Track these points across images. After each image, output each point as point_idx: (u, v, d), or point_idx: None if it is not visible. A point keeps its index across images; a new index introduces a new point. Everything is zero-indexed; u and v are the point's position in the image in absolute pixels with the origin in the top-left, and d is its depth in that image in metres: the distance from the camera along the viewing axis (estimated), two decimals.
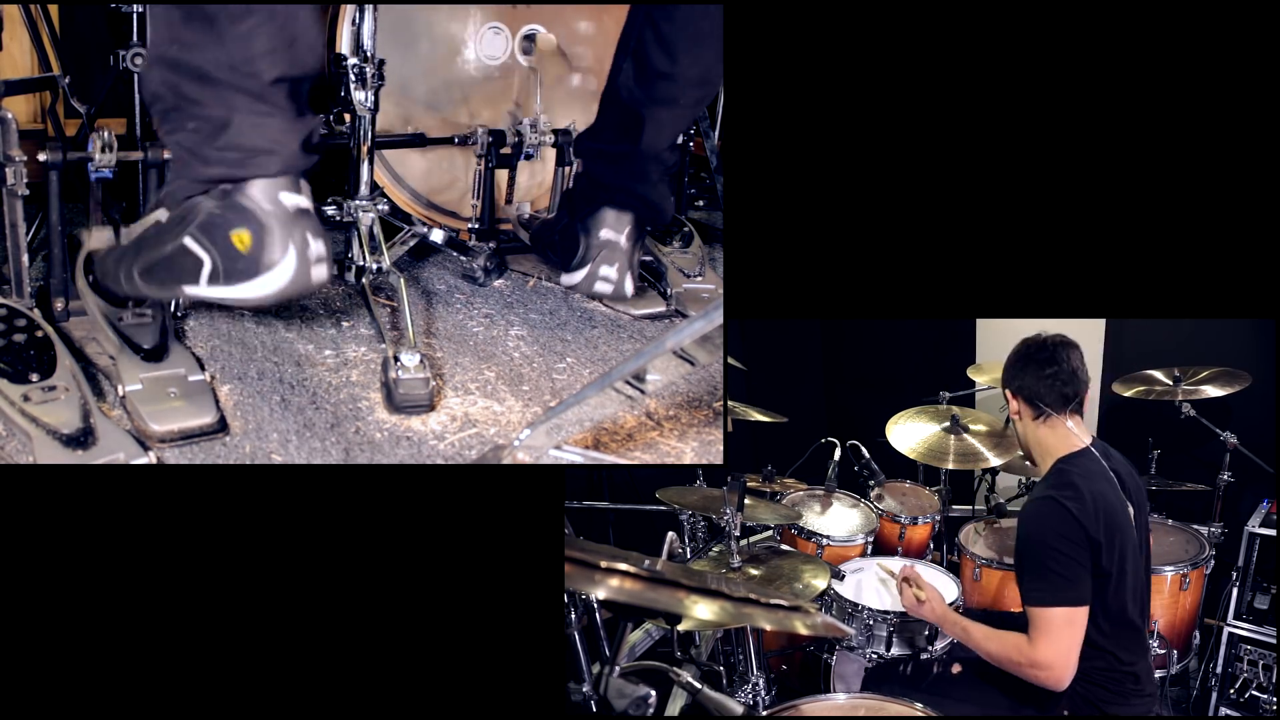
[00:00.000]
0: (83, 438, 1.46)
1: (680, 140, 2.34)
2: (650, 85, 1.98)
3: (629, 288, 2.09)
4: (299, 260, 1.44)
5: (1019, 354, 1.68)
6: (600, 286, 2.08)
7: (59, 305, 1.78)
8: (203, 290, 1.48)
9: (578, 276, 2.09)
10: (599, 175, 2.11)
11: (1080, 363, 1.65)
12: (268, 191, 1.44)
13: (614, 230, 2.05)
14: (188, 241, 1.47)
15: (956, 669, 1.75)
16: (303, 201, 1.47)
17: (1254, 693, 2.16)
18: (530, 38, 2.36)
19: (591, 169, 2.15)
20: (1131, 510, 1.60)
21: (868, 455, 2.55)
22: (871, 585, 2.09)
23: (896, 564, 2.08)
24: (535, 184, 2.54)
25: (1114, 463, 1.63)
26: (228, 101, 1.43)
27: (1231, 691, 2.17)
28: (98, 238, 1.80)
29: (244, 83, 1.42)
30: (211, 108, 1.44)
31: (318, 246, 1.47)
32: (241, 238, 1.43)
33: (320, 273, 1.48)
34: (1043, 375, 1.62)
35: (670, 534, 1.78)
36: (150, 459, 1.46)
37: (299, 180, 1.48)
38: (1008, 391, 1.70)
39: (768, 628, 1.64)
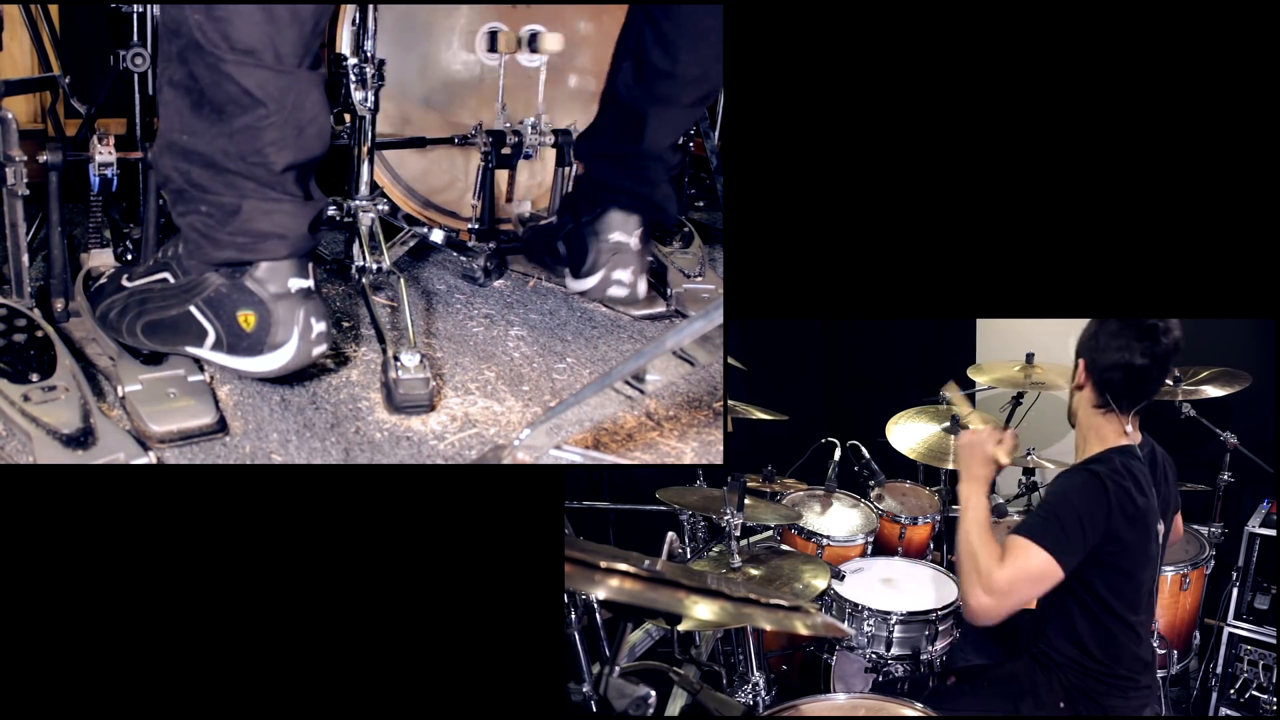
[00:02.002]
0: (83, 438, 1.45)
1: (681, 141, 2.33)
2: (650, 85, 1.97)
3: (642, 290, 2.08)
4: (300, 342, 1.53)
5: (1122, 335, 1.54)
6: (614, 291, 2.06)
7: (59, 305, 1.78)
8: (205, 354, 1.57)
9: (590, 282, 2.07)
10: (602, 177, 2.09)
11: (1172, 363, 1.53)
12: (275, 276, 1.51)
13: (623, 233, 2.03)
14: (194, 312, 1.54)
15: (951, 681, 1.74)
16: (308, 284, 1.54)
17: (1254, 693, 2.16)
18: (532, 38, 2.36)
19: (594, 171, 2.13)
20: (1162, 527, 1.57)
21: (868, 455, 2.55)
22: (872, 585, 2.09)
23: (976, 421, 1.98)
24: (535, 184, 2.54)
25: (1157, 471, 1.59)
26: (238, 189, 1.48)
27: (1231, 691, 2.17)
28: (97, 258, 1.85)
29: (254, 172, 1.47)
30: (222, 194, 1.48)
31: (319, 327, 1.55)
32: (247, 319, 1.51)
33: (320, 350, 1.57)
34: (1133, 369, 1.51)
35: (670, 534, 1.78)
36: (150, 459, 1.46)
37: (306, 263, 1.55)
38: (1082, 362, 1.58)
39: (768, 628, 1.64)
